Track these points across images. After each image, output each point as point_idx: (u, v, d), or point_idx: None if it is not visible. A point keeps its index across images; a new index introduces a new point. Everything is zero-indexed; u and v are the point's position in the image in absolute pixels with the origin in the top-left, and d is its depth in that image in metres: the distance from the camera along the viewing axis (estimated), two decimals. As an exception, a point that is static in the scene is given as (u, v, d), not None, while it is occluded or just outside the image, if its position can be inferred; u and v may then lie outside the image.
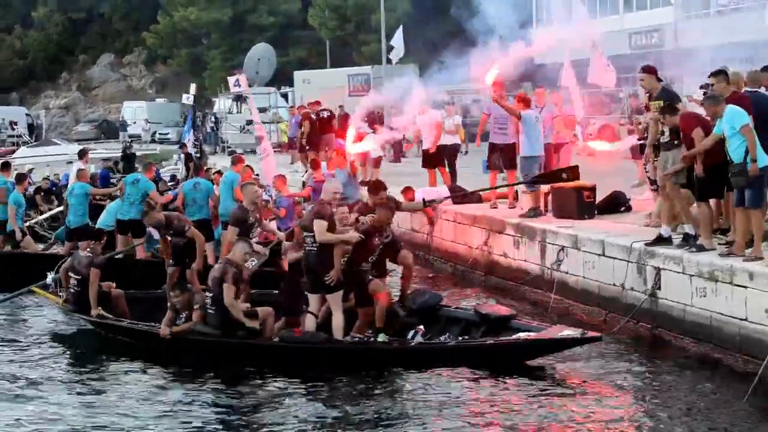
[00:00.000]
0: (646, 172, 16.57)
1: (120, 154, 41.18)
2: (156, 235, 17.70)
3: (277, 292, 14.44)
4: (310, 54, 70.32)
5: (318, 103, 29.76)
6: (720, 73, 13.17)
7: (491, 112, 18.69)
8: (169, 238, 15.69)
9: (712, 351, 12.34)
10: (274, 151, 28.92)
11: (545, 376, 12.28)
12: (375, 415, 10.95)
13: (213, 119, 51.16)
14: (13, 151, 50.60)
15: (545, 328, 12.79)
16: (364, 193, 22.78)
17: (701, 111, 13.53)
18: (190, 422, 11.09)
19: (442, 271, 19.38)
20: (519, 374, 12.16)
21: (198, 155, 32.35)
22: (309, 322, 12.85)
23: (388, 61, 45.93)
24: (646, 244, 13.70)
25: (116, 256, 17.74)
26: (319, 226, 12.52)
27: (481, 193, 19.11)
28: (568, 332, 12.43)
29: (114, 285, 15.15)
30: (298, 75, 55.43)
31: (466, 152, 30.16)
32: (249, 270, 13.73)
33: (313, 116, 28.85)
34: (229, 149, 41.53)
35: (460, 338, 12.97)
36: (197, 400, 11.77)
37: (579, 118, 19.96)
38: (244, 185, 15.79)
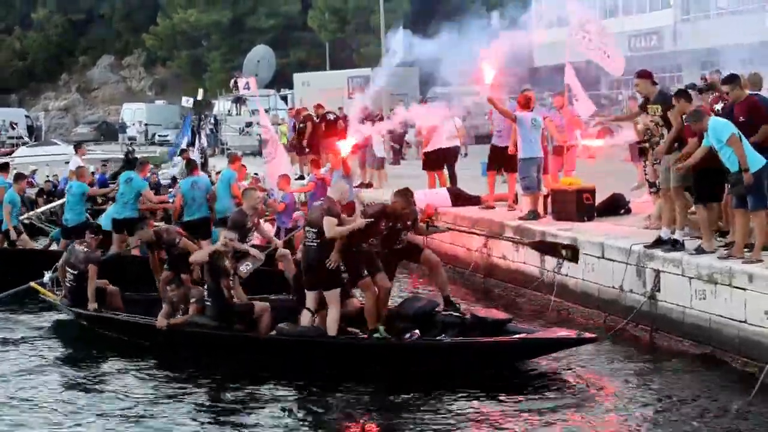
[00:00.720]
0: (645, 174, 16.58)
1: (122, 158, 41.19)
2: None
3: (274, 297, 14.60)
4: (310, 56, 70.39)
5: (320, 106, 29.76)
6: (734, 79, 13.12)
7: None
8: (158, 253, 15.80)
9: (711, 353, 12.33)
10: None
11: (543, 377, 12.26)
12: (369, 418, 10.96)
13: (212, 121, 51.17)
14: (12, 152, 50.58)
15: (541, 331, 12.79)
16: (361, 195, 23.01)
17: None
18: (185, 421, 11.11)
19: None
20: (513, 376, 12.18)
21: (202, 160, 32.38)
22: (305, 320, 12.85)
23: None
24: (646, 246, 13.68)
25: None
26: (329, 222, 12.54)
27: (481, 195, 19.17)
28: (564, 333, 12.44)
29: (107, 282, 15.20)
30: (298, 77, 55.49)
31: (466, 154, 30.15)
32: (244, 272, 13.81)
33: (316, 119, 28.84)
34: (229, 151, 41.49)
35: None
36: (192, 397, 11.84)
37: (586, 117, 19.83)
38: (247, 190, 15.80)
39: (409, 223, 13.28)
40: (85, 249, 14.87)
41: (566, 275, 15.50)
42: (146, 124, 69.55)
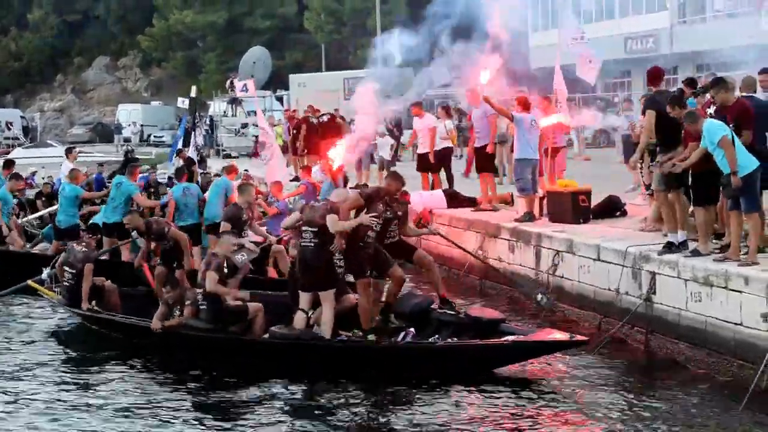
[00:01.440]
0: (642, 176, 16.58)
1: (122, 159, 41.10)
2: (140, 242, 17.75)
3: (268, 293, 14.66)
4: (306, 57, 70.41)
5: (313, 107, 29.78)
6: (719, 83, 13.12)
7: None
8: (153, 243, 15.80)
9: (706, 356, 12.31)
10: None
11: (533, 381, 12.26)
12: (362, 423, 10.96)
13: (208, 122, 51.12)
14: (8, 153, 50.53)
15: (534, 332, 12.77)
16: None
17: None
18: (181, 420, 11.12)
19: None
20: (506, 378, 12.17)
21: (199, 159, 32.29)
22: (299, 320, 12.84)
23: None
24: (659, 253, 13.53)
25: (102, 256, 17.66)
26: (332, 218, 12.54)
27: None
28: (557, 335, 12.42)
29: (105, 280, 15.22)
30: (294, 78, 55.49)
31: (461, 156, 30.15)
32: (240, 263, 13.84)
33: (314, 120, 28.84)
34: (224, 152, 41.53)
35: (450, 340, 12.94)
36: (188, 396, 11.86)
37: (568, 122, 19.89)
38: (244, 185, 15.83)
39: (400, 213, 13.16)
40: (84, 249, 14.91)
41: (562, 277, 15.48)
42: (141, 125, 69.54)
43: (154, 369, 13.12)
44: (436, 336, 13.01)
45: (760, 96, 13.71)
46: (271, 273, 16.89)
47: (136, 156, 42.47)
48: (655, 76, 14.38)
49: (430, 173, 21.70)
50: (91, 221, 19.85)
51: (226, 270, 13.33)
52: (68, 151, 24.52)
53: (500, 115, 18.01)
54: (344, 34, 65.94)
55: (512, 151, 19.25)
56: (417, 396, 11.64)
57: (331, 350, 12.66)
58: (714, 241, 13.28)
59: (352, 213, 12.79)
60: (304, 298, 12.86)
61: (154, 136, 67.57)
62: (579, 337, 12.45)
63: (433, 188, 21.24)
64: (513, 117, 17.31)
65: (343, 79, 51.33)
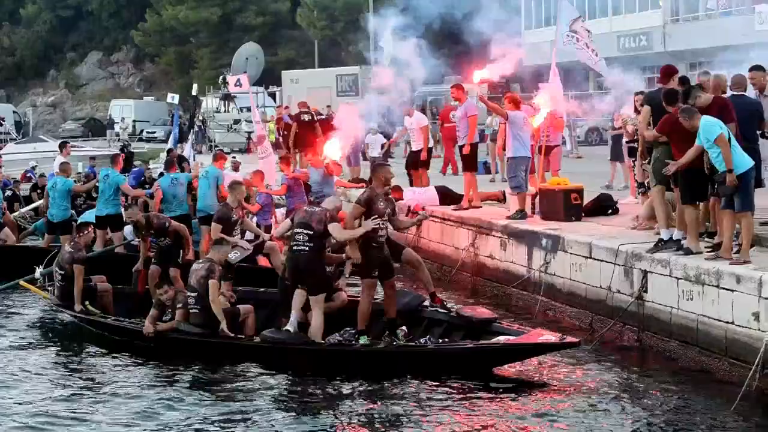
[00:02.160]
0: (634, 174, 16.58)
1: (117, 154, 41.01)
2: (130, 236, 17.75)
3: (262, 290, 14.72)
4: (299, 54, 70.32)
5: (304, 104, 29.80)
6: (693, 89, 13.13)
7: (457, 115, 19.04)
8: (150, 239, 15.73)
9: (698, 354, 12.32)
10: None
11: (525, 380, 12.27)
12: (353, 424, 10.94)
13: (200, 118, 51.10)
14: (0, 148, 50.39)
15: (526, 332, 12.75)
16: (349, 194, 22.97)
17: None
18: (173, 420, 11.06)
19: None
20: (497, 379, 12.16)
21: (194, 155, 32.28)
22: (298, 299, 12.81)
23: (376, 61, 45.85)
24: (649, 251, 13.54)
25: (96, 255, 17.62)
26: (336, 227, 12.62)
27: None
28: (547, 337, 12.40)
29: (105, 279, 15.20)
30: (286, 74, 55.43)
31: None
32: (233, 261, 13.88)
33: (306, 118, 28.86)
34: (216, 148, 41.30)
35: (441, 341, 12.92)
36: (178, 398, 11.74)
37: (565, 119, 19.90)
38: (234, 184, 15.79)
39: (388, 210, 13.06)
40: (70, 249, 14.82)
41: (553, 274, 15.48)
42: (134, 121, 69.44)
43: (149, 366, 13.05)
44: (428, 337, 13.00)
45: (750, 94, 13.72)
46: (262, 261, 16.78)
47: (132, 151, 42.47)
48: (665, 73, 14.30)
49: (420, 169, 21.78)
50: (80, 218, 19.85)
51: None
52: (62, 146, 24.48)
53: (495, 113, 18.00)
54: (337, 30, 65.85)
55: (504, 148, 19.30)
56: (408, 395, 11.62)
57: (321, 353, 12.65)
58: (706, 239, 13.30)
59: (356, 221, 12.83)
60: (298, 297, 12.84)
61: (147, 132, 67.47)
62: (570, 339, 12.41)
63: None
64: (507, 115, 17.31)
65: (335, 75, 51.26)
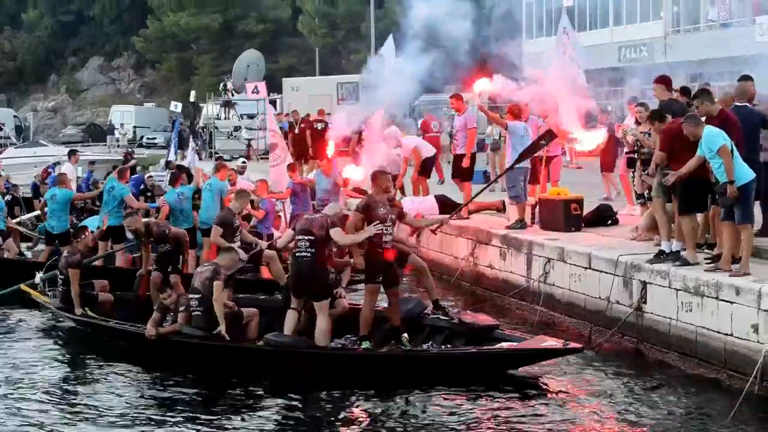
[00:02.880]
0: (633, 186, 16.56)
1: (121, 160, 41.04)
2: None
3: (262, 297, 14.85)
4: (300, 61, 70.38)
5: (322, 112, 30.07)
6: (703, 93, 13.12)
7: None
8: (150, 246, 15.73)
9: (697, 366, 12.31)
10: (262, 157, 28.72)
11: (526, 388, 12.21)
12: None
13: (202, 125, 51.07)
14: (0, 153, 50.42)
15: (528, 339, 12.76)
16: (350, 203, 22.97)
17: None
18: (173, 422, 11.09)
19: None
20: (500, 385, 12.10)
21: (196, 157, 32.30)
22: (291, 321, 12.81)
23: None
24: (649, 261, 13.52)
25: (95, 262, 17.58)
26: (337, 231, 12.61)
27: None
28: (550, 343, 12.41)
29: (107, 283, 15.22)
30: (287, 82, 55.41)
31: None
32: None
33: (319, 126, 28.97)
34: (217, 155, 41.27)
35: (443, 347, 12.92)
36: (180, 403, 11.77)
37: (570, 129, 19.82)
38: (241, 193, 15.79)
39: (392, 216, 13.03)
40: (66, 254, 14.86)
41: (552, 284, 15.47)
42: (134, 127, 69.49)
43: (147, 373, 13.03)
44: (431, 343, 12.99)
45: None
46: (265, 273, 16.79)
47: (134, 158, 42.43)
48: (669, 82, 14.29)
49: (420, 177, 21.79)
50: (80, 225, 19.81)
51: None
52: (71, 154, 24.38)
53: (495, 124, 18.02)
54: (338, 38, 65.93)
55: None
56: (411, 400, 11.62)
57: (324, 358, 12.63)
58: (706, 251, 13.29)
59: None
60: (295, 299, 12.85)
61: (147, 138, 67.47)
62: (573, 345, 12.42)
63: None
64: (507, 126, 17.32)
65: (336, 83, 51.23)
